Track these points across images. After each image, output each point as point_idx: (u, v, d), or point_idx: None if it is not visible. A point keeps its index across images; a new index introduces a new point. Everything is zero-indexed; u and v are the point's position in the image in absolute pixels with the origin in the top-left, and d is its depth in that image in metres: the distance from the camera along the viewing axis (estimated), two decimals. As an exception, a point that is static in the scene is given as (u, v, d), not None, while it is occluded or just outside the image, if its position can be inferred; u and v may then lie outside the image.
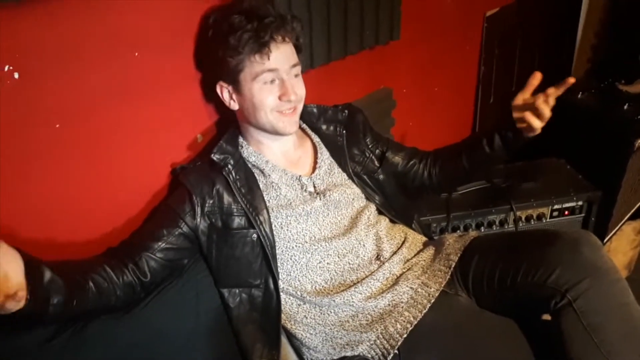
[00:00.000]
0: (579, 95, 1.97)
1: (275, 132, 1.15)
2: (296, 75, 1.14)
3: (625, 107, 1.84)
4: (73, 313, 0.92)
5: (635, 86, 1.97)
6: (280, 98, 1.10)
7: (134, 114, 1.09)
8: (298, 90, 1.13)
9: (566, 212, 1.63)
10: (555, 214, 1.63)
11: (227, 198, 1.12)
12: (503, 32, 2.11)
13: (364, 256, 1.16)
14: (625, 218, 2.01)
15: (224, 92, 1.15)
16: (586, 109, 1.93)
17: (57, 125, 0.96)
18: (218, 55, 1.09)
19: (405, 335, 1.02)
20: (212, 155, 1.13)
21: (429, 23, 1.81)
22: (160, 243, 1.06)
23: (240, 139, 1.20)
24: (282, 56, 1.09)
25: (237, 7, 1.09)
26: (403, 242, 1.21)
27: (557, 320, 0.96)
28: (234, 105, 1.16)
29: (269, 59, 1.07)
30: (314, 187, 1.18)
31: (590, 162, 1.74)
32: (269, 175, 1.16)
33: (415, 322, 1.03)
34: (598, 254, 0.97)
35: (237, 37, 1.05)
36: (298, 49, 1.16)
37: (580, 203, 1.63)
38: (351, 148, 1.29)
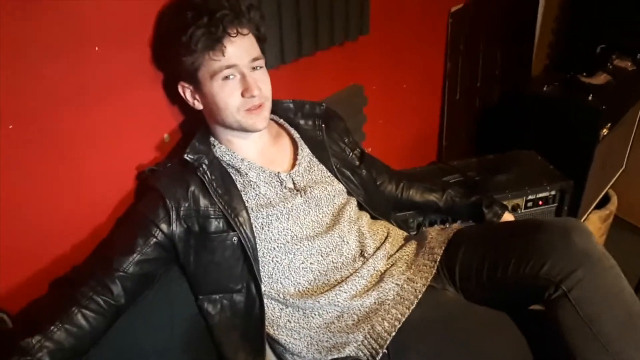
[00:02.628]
0: (544, 88, 2.01)
1: (244, 130, 1.09)
2: (258, 69, 1.06)
3: (590, 97, 1.88)
4: None
5: (596, 77, 2.02)
6: (243, 95, 1.04)
7: (95, 113, 1.01)
8: (262, 84, 1.06)
9: (540, 202, 1.64)
10: (529, 204, 1.64)
11: (203, 200, 1.05)
12: (467, 28, 2.12)
13: (348, 254, 1.11)
14: (592, 206, 2.06)
15: (186, 92, 1.09)
16: (552, 101, 1.97)
17: (10, 126, 0.88)
18: (173, 55, 1.03)
19: (393, 334, 0.99)
20: (185, 155, 1.06)
21: (396, 19, 1.80)
22: (134, 255, 0.98)
23: (212, 138, 1.14)
24: (239, 50, 1.02)
25: (189, 2, 1.02)
26: (386, 238, 1.18)
27: (553, 312, 0.94)
28: (198, 105, 1.10)
29: (224, 55, 1.00)
30: (294, 183, 1.13)
31: (559, 153, 1.77)
32: (246, 173, 1.10)
33: (403, 319, 1.00)
34: (589, 241, 0.95)
35: (188, 34, 0.98)
36: (260, 40, 1.09)
37: (553, 193, 1.64)
38: (331, 143, 1.26)
